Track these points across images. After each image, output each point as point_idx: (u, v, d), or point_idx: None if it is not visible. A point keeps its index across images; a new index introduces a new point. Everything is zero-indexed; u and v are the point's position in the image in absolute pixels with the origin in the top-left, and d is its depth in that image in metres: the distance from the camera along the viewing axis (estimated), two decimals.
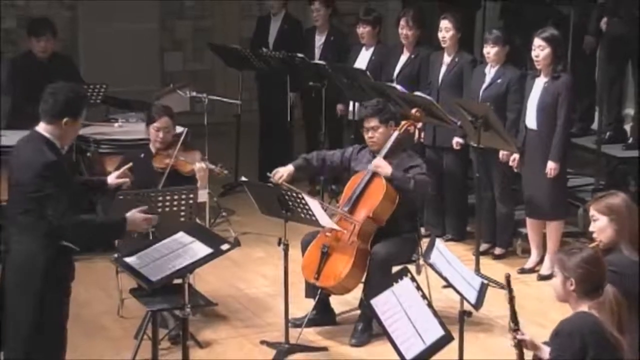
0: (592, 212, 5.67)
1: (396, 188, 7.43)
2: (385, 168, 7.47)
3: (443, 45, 9.17)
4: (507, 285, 5.32)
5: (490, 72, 8.83)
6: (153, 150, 7.83)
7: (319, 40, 10.48)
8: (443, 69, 9.20)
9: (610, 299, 4.97)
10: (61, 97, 5.72)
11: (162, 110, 7.90)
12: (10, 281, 5.76)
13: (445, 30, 9.10)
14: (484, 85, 8.81)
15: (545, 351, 5.14)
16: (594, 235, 5.67)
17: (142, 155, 7.82)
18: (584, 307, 4.97)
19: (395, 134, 7.61)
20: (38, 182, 5.57)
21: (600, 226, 5.63)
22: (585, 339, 4.86)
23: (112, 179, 6.28)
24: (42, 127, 5.71)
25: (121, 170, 6.39)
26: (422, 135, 9.05)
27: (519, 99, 8.66)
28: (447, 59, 9.21)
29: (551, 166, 8.36)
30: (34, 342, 5.71)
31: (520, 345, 5.23)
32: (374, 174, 7.51)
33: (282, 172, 7.61)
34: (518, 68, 8.95)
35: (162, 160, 7.76)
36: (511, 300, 5.28)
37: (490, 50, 8.75)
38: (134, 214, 5.90)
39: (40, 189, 5.56)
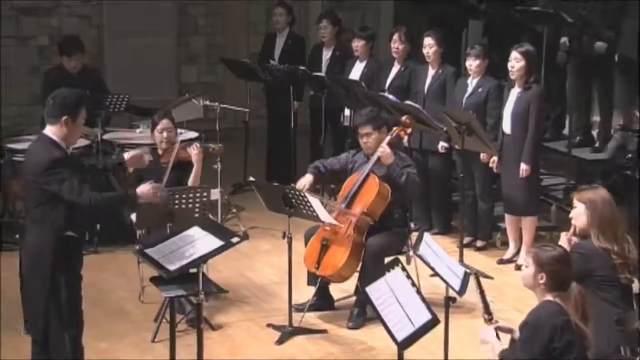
0: (574, 200, 5.81)
1: (390, 178, 7.42)
2: (389, 156, 7.46)
3: (427, 60, 9.17)
4: (477, 283, 5.35)
5: (472, 82, 8.82)
6: (160, 151, 7.78)
7: (326, 54, 10.43)
8: (428, 80, 9.19)
9: (575, 295, 4.98)
10: (59, 99, 5.78)
11: (162, 114, 7.93)
12: (25, 267, 5.83)
13: (429, 46, 9.10)
14: (467, 95, 8.81)
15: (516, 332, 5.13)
16: (572, 221, 5.80)
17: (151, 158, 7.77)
18: (549, 297, 4.97)
19: (388, 138, 7.59)
20: (47, 176, 5.65)
21: (577, 213, 5.77)
22: (553, 326, 4.85)
23: (128, 155, 6.32)
24: (48, 130, 5.81)
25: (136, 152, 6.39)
26: (410, 139, 9.02)
27: (497, 106, 8.66)
28: (431, 71, 9.19)
29: (523, 167, 8.36)
30: (49, 320, 5.75)
31: (496, 332, 5.23)
32: (369, 175, 7.50)
33: (304, 182, 7.57)
34: (496, 79, 8.94)
35: (167, 155, 7.71)
36: (482, 294, 5.30)
37: (472, 63, 8.75)
38: (144, 186, 5.95)
39: (50, 181, 5.63)
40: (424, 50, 9.14)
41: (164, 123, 7.79)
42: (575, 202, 5.77)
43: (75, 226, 5.80)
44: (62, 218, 5.70)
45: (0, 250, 8.47)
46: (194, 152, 7.67)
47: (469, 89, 8.81)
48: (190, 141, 8.08)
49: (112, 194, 5.99)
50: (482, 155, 8.64)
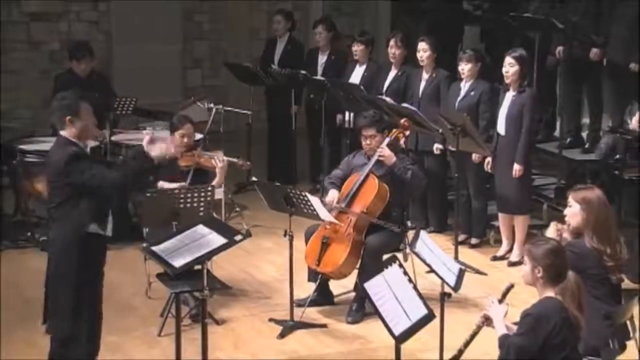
0: (569, 199, 5.69)
1: (390, 177, 7.41)
2: (390, 156, 7.46)
3: (421, 64, 9.15)
4: (507, 290, 5.27)
5: (465, 86, 8.81)
6: (177, 154, 7.75)
7: (322, 59, 10.42)
8: (422, 84, 9.18)
9: (572, 284, 4.97)
10: (57, 103, 5.81)
11: (184, 119, 7.84)
12: (51, 266, 5.80)
13: (423, 50, 9.09)
14: (459, 98, 8.80)
15: (512, 329, 5.12)
16: (566, 219, 5.71)
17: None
18: (550, 293, 4.95)
19: (387, 140, 7.58)
20: (68, 171, 5.63)
21: (573, 212, 5.66)
22: (554, 322, 4.84)
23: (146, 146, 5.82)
24: (62, 132, 5.76)
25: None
26: (407, 141, 9.01)
27: (489, 108, 8.65)
28: (425, 75, 9.18)
29: (516, 167, 8.36)
30: (73, 318, 5.72)
31: (479, 327, 5.23)
32: (368, 175, 7.49)
33: (333, 197, 7.53)
34: (489, 82, 8.93)
35: (187, 160, 7.69)
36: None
37: (464, 67, 8.74)
38: (155, 146, 5.79)
39: (71, 175, 5.61)
40: (418, 55, 9.12)
41: (187, 128, 7.70)
42: (571, 201, 5.65)
43: (98, 222, 5.78)
44: (83, 216, 5.68)
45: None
46: (219, 165, 7.63)
47: (462, 92, 8.80)
48: (214, 149, 8.01)
49: (130, 165, 5.82)
50: (475, 156, 8.64)
